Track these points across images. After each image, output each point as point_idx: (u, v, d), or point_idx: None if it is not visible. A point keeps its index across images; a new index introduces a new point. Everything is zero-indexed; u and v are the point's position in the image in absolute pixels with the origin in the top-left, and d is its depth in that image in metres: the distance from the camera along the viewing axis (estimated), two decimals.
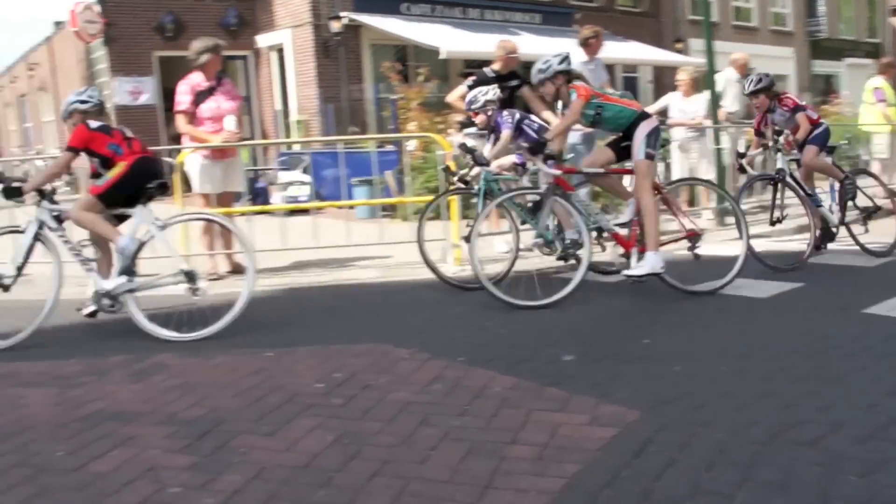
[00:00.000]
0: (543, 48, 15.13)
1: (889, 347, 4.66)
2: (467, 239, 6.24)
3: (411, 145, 10.75)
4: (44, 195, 5.61)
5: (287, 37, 18.62)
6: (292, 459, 3.32)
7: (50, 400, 4.25)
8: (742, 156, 7.70)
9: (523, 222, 6.76)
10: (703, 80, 10.11)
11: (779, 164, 7.45)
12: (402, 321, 5.75)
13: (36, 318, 5.43)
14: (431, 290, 6.67)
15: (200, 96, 7.33)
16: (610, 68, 11.87)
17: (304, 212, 9.46)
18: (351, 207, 11.03)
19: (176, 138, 17.33)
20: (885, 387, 3.97)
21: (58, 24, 23.68)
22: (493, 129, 7.40)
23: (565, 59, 6.25)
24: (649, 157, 6.11)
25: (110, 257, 5.75)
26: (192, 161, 7.40)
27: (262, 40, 19.44)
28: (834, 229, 7.64)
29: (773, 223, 7.56)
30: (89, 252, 5.71)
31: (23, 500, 3.07)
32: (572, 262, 6.35)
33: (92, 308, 5.58)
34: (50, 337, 5.40)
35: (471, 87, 8.16)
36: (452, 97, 8.46)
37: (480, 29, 18.51)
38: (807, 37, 30.00)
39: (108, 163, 5.66)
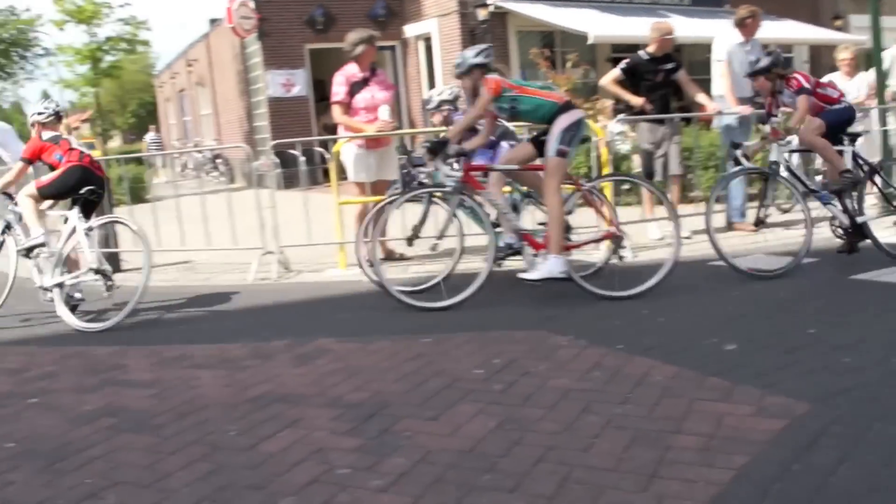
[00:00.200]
0: (694, 31, 14.79)
1: None
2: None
3: None
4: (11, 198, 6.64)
5: (434, 26, 18.77)
6: (456, 444, 3.34)
7: (220, 381, 4.43)
8: (737, 146, 6.64)
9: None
10: (865, 59, 9.62)
11: (772, 156, 6.55)
12: (557, 308, 5.70)
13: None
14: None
15: (355, 87, 7.48)
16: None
17: None
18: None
19: (330, 128, 17.71)
20: None
21: (213, 21, 24.61)
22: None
23: (481, 52, 6.05)
24: (561, 154, 5.74)
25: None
26: (347, 150, 7.55)
27: (410, 30, 19.66)
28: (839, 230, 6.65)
29: (756, 224, 6.64)
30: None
31: (201, 476, 3.21)
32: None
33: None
34: (212, 322, 5.64)
35: (625, 71, 8.03)
36: (606, 80, 8.33)
37: (628, 12, 18.16)
38: None
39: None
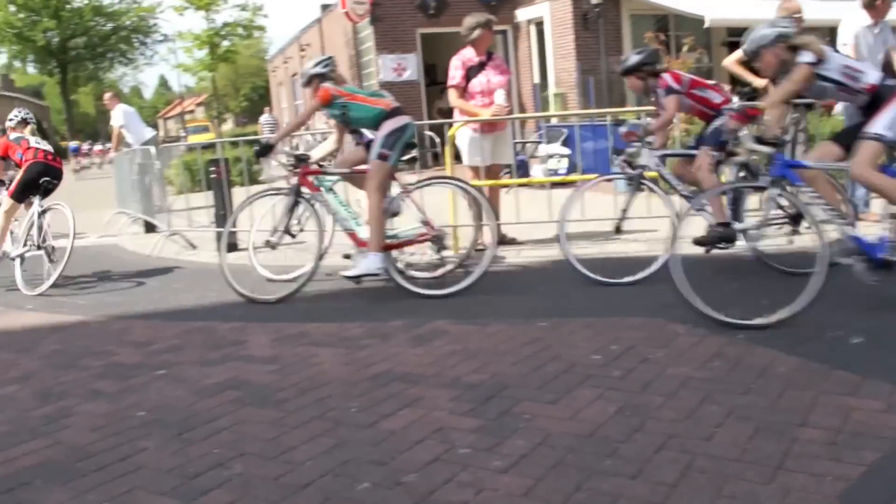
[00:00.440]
0: (819, 12, 14.24)
1: None
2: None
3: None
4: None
5: (546, 10, 18.64)
6: (576, 428, 3.33)
7: (339, 359, 4.52)
8: (619, 152, 6.28)
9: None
10: None
11: (642, 160, 6.09)
12: (671, 295, 5.59)
13: None
14: (699, 264, 6.42)
15: (471, 71, 7.48)
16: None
17: (565, 184, 9.45)
18: (609, 180, 10.87)
19: (444, 112, 17.82)
20: None
21: (325, 6, 24.97)
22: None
23: (319, 63, 6.59)
24: (382, 157, 6.03)
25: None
26: (462, 134, 7.56)
27: (522, 14, 19.57)
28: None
29: (616, 230, 6.26)
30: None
31: (325, 451, 3.28)
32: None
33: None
34: (328, 301, 5.73)
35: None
36: (729, 61, 8.09)
37: None
38: None
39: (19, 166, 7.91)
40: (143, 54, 52.49)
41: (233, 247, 7.72)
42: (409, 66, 19.34)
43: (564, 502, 2.72)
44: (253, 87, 66.33)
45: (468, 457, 3.12)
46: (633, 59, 6.35)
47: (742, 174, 5.86)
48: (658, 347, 4.32)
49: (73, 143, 48.12)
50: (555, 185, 8.80)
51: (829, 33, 8.64)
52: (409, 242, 6.31)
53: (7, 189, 8.00)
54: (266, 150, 6.35)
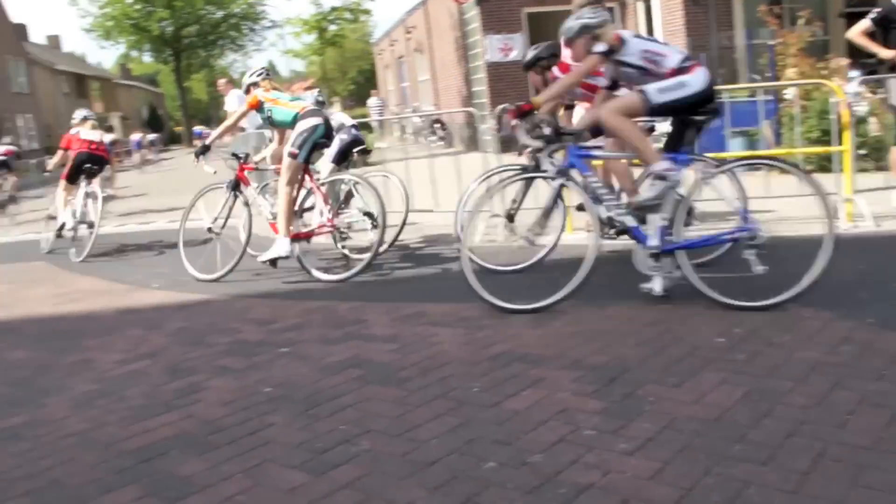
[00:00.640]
0: None
1: None
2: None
3: (790, 94, 10.14)
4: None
5: None
6: (702, 412, 3.28)
7: (459, 339, 4.56)
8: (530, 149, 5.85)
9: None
10: None
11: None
12: (795, 277, 5.43)
13: None
14: (818, 246, 6.21)
15: None
16: None
17: None
18: (724, 160, 10.63)
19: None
20: None
21: None
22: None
23: (254, 73, 7.54)
24: (292, 155, 6.75)
25: None
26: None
27: None
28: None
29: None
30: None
31: (451, 429, 3.31)
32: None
33: None
34: (444, 281, 5.77)
35: (876, 21, 7.49)
36: (854, 32, 7.77)
37: None
38: None
39: None
40: (253, 40, 53.61)
41: None
42: (516, 46, 19.24)
43: (693, 487, 2.69)
44: (359, 70, 67.08)
45: (593, 438, 3.11)
46: (530, 54, 6.52)
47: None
48: (783, 331, 4.21)
49: (197, 128, 49.55)
50: None
51: None
52: (312, 233, 7.00)
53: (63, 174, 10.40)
54: (204, 150, 7.48)
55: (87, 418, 3.93)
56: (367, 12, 39.40)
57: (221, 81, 13.70)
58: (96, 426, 3.81)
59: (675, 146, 5.08)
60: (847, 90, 7.52)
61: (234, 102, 12.90)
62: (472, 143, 20.56)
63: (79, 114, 10.94)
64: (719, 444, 2.98)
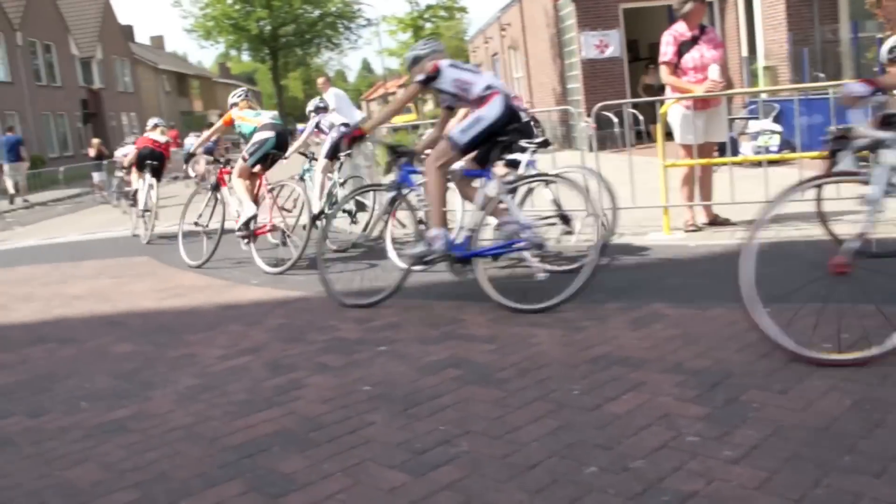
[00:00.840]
0: None
1: None
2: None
3: None
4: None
5: None
6: (810, 420, 3.18)
7: (557, 340, 4.52)
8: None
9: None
10: None
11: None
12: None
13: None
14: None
15: (684, 46, 7.27)
16: None
17: (778, 162, 9.05)
18: (824, 158, 10.31)
19: (652, 88, 17.48)
20: None
21: None
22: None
23: (236, 94, 9.08)
24: (243, 159, 8.31)
25: None
26: (674, 112, 7.38)
27: None
28: None
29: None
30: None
31: (551, 432, 3.29)
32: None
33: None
34: (543, 281, 5.71)
35: None
36: None
37: None
38: None
39: None
40: (348, 39, 54.26)
41: None
42: (612, 43, 19.03)
43: (802, 499, 2.61)
44: None
45: (697, 445, 3.05)
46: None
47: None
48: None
49: (300, 126, 50.48)
50: (771, 162, 8.45)
51: None
52: (259, 231, 8.24)
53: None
54: (190, 156, 9.97)
55: (192, 412, 4.03)
56: (463, 10, 39.60)
57: (321, 80, 13.90)
58: (200, 420, 3.90)
59: (483, 163, 5.76)
60: None
61: (331, 100, 13.07)
62: (567, 141, 20.43)
63: (151, 122, 13.24)
64: (828, 455, 2.88)
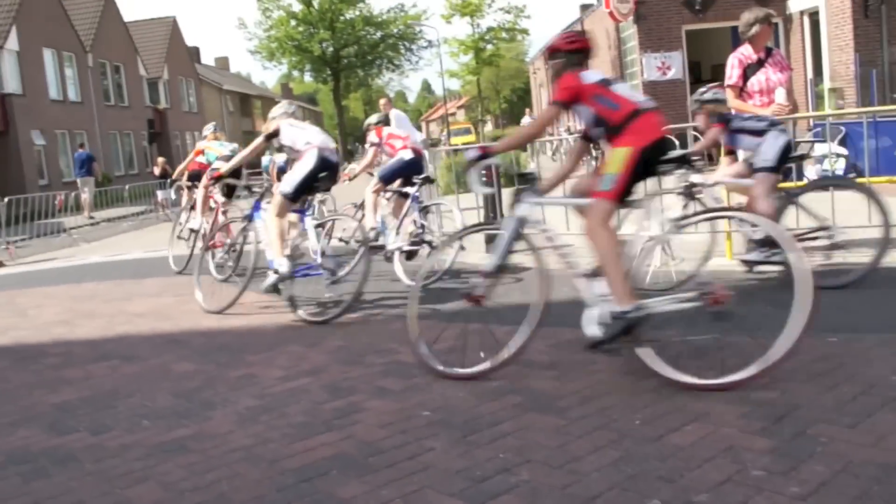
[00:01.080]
0: None
1: None
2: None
3: None
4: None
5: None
6: (881, 456, 3.08)
7: (618, 368, 4.47)
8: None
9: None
10: None
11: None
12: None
13: None
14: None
15: (749, 69, 7.16)
16: None
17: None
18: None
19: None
20: None
21: (585, 6, 24.91)
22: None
23: (207, 127, 11.71)
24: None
25: None
26: None
27: (794, 5, 18.63)
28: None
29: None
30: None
31: (612, 462, 3.24)
32: None
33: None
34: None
35: None
36: None
37: None
38: None
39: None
40: (409, 60, 54.47)
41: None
42: (674, 65, 18.93)
43: None
44: (513, 88, 67.37)
45: (762, 480, 2.97)
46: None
47: None
48: None
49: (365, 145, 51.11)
50: (837, 186, 8.27)
51: None
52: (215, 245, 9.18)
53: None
54: (172, 182, 10.99)
55: (251, 433, 4.05)
56: (524, 31, 39.72)
57: (383, 101, 14.00)
58: (259, 442, 3.92)
59: (302, 206, 7.27)
60: None
61: (392, 122, 13.15)
62: None
63: (225, 145, 13.63)
64: None
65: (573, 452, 3.37)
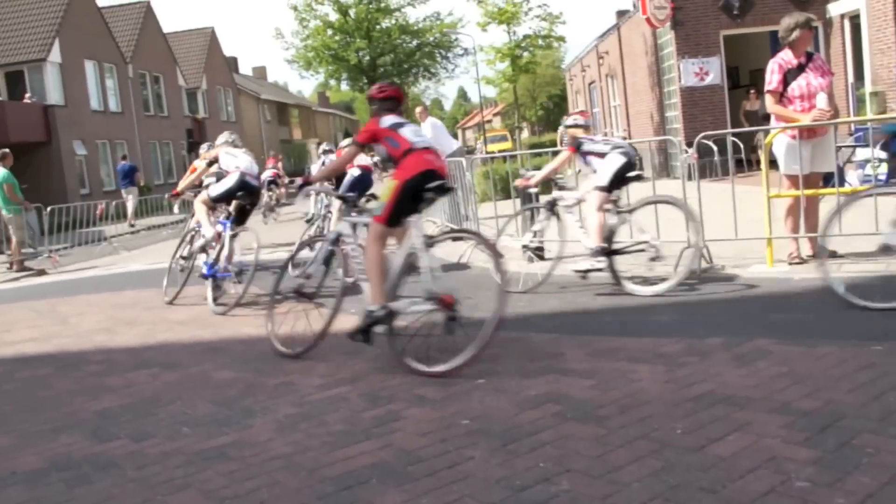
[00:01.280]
0: None
1: None
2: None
3: None
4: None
5: (862, 2, 17.36)
6: None
7: (659, 377, 4.42)
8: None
9: None
10: None
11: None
12: None
13: None
14: None
15: (790, 74, 7.10)
16: None
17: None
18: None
19: (751, 115, 17.15)
20: None
21: (622, 13, 24.80)
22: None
23: (206, 146, 11.51)
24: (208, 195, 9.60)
25: None
26: (779, 141, 7.19)
27: (834, 9, 18.39)
28: None
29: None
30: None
31: (653, 472, 3.20)
32: None
33: None
34: (640, 314, 5.63)
35: None
36: None
37: None
38: None
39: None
40: (445, 68, 54.47)
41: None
42: (712, 70, 18.76)
43: None
44: (549, 95, 67.27)
45: (807, 491, 2.93)
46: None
47: None
48: None
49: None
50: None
51: None
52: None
53: None
54: (176, 196, 10.77)
55: (291, 441, 4.07)
56: (561, 39, 39.45)
57: (419, 109, 14.01)
58: (299, 450, 3.93)
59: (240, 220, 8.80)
60: None
61: (428, 129, 13.16)
62: (664, 170, 20.15)
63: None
64: None
65: (613, 462, 3.35)
